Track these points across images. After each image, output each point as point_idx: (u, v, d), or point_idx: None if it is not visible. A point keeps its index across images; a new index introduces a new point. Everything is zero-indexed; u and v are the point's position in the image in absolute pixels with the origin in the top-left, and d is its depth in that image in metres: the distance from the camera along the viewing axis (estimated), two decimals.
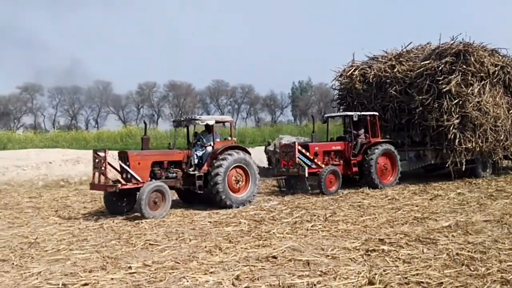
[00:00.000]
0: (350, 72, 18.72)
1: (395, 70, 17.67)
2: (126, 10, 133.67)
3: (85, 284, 6.20)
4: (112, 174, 11.49)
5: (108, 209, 11.85)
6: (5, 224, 10.83)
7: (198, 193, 12.19)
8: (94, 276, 6.55)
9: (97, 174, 11.41)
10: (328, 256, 7.25)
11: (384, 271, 6.28)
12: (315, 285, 5.87)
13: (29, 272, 6.84)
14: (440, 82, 16.13)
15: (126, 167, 11.46)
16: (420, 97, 16.34)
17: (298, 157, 14.48)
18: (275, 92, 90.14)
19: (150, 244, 8.46)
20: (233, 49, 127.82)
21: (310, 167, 14.61)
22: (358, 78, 18.40)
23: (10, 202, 14.10)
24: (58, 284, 6.21)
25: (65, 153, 23.59)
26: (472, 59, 16.52)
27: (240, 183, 12.57)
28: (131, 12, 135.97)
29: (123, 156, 11.73)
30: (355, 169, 15.57)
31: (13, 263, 7.34)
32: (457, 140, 16.15)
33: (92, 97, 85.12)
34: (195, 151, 12.65)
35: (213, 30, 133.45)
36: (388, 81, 17.66)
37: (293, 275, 6.32)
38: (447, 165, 16.42)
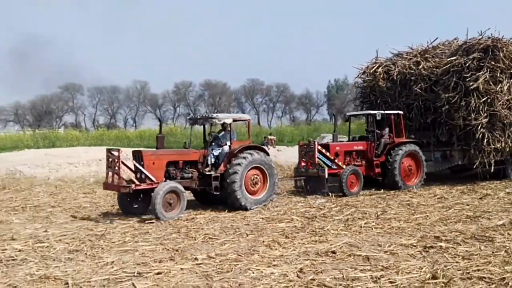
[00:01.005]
0: (373, 69, 18.14)
1: (420, 66, 17.00)
2: (161, 10, 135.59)
3: (158, 273, 6.59)
4: (127, 174, 11.24)
5: (122, 210, 11.57)
6: (68, 217, 11.41)
7: (214, 194, 11.83)
8: (164, 266, 6.95)
9: (110, 173, 11.17)
10: (386, 252, 7.45)
11: (445, 266, 6.45)
12: (379, 278, 6.09)
13: (103, 261, 7.29)
14: (467, 79, 15.45)
15: (140, 167, 11.16)
16: (447, 95, 15.70)
17: (318, 157, 14.00)
18: (311, 90, 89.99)
19: (209, 237, 8.83)
20: (269, 47, 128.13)
21: (330, 167, 14.13)
22: (381, 75, 17.79)
23: (67, 197, 14.75)
24: (134, 273, 6.62)
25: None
26: (501, 54, 15.79)
27: (258, 184, 12.18)
28: (166, 12, 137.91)
29: (138, 156, 11.40)
30: (378, 170, 15.03)
31: (86, 253, 7.82)
32: (485, 140, 15.49)
33: (130, 96, 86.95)
34: (212, 150, 12.28)
35: (248, 29, 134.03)
36: (413, 78, 17.02)
37: (355, 269, 6.56)
38: (474, 166, 15.82)
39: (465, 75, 15.55)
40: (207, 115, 12.60)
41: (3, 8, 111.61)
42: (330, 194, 13.69)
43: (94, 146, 29.13)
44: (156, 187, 10.78)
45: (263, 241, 8.37)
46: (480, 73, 15.47)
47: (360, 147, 15.25)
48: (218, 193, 11.77)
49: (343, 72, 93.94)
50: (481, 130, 15.44)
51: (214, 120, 12.19)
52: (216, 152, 12.30)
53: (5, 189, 16.82)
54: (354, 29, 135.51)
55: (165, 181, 11.22)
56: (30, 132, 46.59)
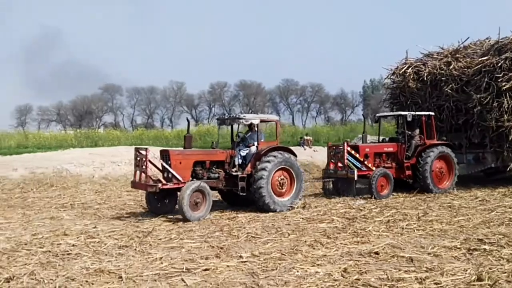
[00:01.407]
0: (403, 70, 17.96)
1: (451, 67, 16.68)
2: (197, 11, 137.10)
3: (206, 269, 6.85)
4: (154, 173, 11.47)
5: (149, 209, 11.64)
6: (114, 215, 11.84)
7: (241, 195, 11.77)
8: (211, 262, 7.21)
9: (138, 172, 11.28)
10: (429, 253, 7.51)
11: (490, 269, 6.48)
12: (423, 280, 6.16)
13: (152, 257, 7.60)
14: (499, 80, 15.12)
15: (167, 166, 11.18)
16: (478, 96, 15.42)
17: (347, 159, 13.82)
18: (346, 90, 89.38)
19: (252, 236, 9.05)
20: (303, 47, 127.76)
21: (360, 169, 13.93)
22: (411, 76, 17.59)
23: (111, 195, 15.26)
24: (182, 269, 6.90)
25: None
26: None
27: (285, 186, 12.08)
28: (202, 13, 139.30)
29: (165, 155, 11.46)
30: (408, 172, 14.76)
31: (135, 249, 8.16)
32: None
33: (167, 96, 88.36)
34: (239, 151, 12.25)
35: (282, 29, 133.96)
36: (443, 79, 16.73)
37: (399, 270, 6.65)
38: (508, 169, 15.55)
39: (497, 75, 15.26)
40: (235, 116, 12.56)
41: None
42: (357, 195, 13.69)
43: (135, 145, 29.81)
44: (182, 186, 10.84)
45: (305, 241, 8.52)
46: None
47: (390, 149, 15.04)
48: (244, 194, 11.73)
49: (379, 72, 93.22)
50: None
51: (241, 120, 12.17)
52: (243, 152, 12.29)
53: (53, 187, 17.47)
54: (389, 28, 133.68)
55: (191, 180, 11.24)
56: (72, 131, 48.15)
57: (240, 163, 12.06)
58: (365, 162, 14.20)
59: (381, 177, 13.75)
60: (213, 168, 11.87)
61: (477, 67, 15.87)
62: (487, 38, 18.14)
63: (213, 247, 8.26)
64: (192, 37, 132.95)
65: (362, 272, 6.57)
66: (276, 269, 6.86)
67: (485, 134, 15.88)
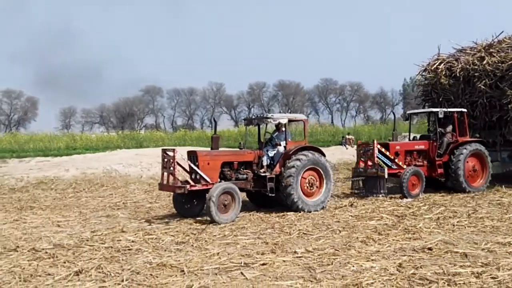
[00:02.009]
0: (435, 66, 17.47)
1: (485, 62, 16.16)
2: (233, 12, 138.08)
3: (263, 264, 7.09)
4: (182, 175, 11.38)
5: (177, 211, 11.51)
6: (166, 213, 12.24)
7: (270, 196, 11.60)
8: (267, 257, 7.44)
9: (165, 174, 11.08)
10: (483, 249, 7.54)
11: None
12: (480, 274, 6.23)
13: (209, 252, 7.90)
14: None
15: (195, 168, 11.02)
16: None
17: (377, 157, 13.56)
18: (385, 89, 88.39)
19: (303, 233, 9.24)
20: (342, 46, 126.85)
21: (390, 167, 13.66)
22: (443, 72, 17.09)
23: (161, 194, 15.71)
24: (240, 263, 7.16)
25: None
26: None
27: (314, 186, 11.90)
28: (238, 13, 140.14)
29: (192, 156, 11.30)
30: (440, 170, 14.38)
31: (192, 245, 8.48)
32: None
33: (207, 98, 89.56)
34: (267, 151, 12.08)
35: (321, 28, 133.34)
36: (476, 74, 16.23)
37: (454, 265, 6.73)
38: None
39: None
40: (262, 115, 12.40)
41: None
42: (386, 194, 13.50)
43: (178, 146, 30.47)
44: (211, 188, 10.66)
45: (357, 237, 8.66)
46: None
47: (422, 147, 14.69)
48: (273, 194, 11.53)
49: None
50: None
51: (269, 120, 11.99)
52: (271, 153, 12.11)
53: (103, 187, 18.15)
54: (426, 25, 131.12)
55: (219, 182, 11.10)
56: (114, 133, 49.52)
57: (268, 163, 11.89)
58: (396, 160, 13.92)
59: (412, 175, 13.47)
60: (241, 169, 11.76)
61: (511, 61, 15.48)
62: None
63: (267, 243, 8.49)
64: (230, 38, 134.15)
65: (418, 267, 6.67)
66: (332, 264, 7.04)
67: None
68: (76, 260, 7.57)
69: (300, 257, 7.49)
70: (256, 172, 11.77)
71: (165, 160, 11.05)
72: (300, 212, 11.38)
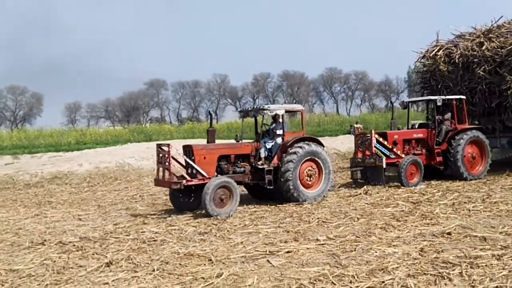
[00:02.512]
0: (433, 53, 17.26)
1: (484, 47, 15.91)
2: (235, 3, 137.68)
3: (288, 252, 7.28)
4: (177, 170, 11.13)
5: (174, 206, 11.34)
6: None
7: (268, 188, 11.46)
8: (291, 245, 7.63)
9: (161, 169, 10.88)
10: (501, 233, 7.72)
11: None
12: (501, 256, 6.40)
13: (233, 241, 8.09)
14: None
15: (191, 162, 10.79)
16: None
17: (375, 146, 13.46)
18: (390, 77, 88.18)
19: (322, 221, 9.42)
20: (346, 34, 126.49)
21: (389, 157, 13.54)
22: (442, 59, 16.86)
23: None
24: (265, 251, 7.35)
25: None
26: None
27: (313, 177, 11.78)
28: (241, 5, 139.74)
29: (188, 150, 11.08)
30: (439, 158, 14.25)
31: (215, 235, 8.68)
32: None
33: (211, 90, 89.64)
34: (264, 143, 11.89)
35: (324, 18, 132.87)
36: (476, 60, 15.98)
37: (474, 248, 6.90)
38: None
39: None
40: (258, 107, 12.18)
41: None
42: (385, 183, 13.38)
43: (187, 139, 30.68)
44: (207, 182, 10.47)
45: (376, 224, 8.83)
46: None
47: (420, 135, 14.55)
48: (272, 187, 11.41)
49: None
50: None
51: (265, 111, 11.71)
52: (269, 145, 11.93)
53: (117, 180, 18.42)
54: (429, 12, 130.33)
55: (216, 176, 10.90)
56: (121, 127, 49.77)
57: (266, 155, 11.73)
58: (394, 150, 13.80)
59: (410, 164, 13.35)
60: (239, 162, 11.56)
61: (511, 47, 15.25)
62: None
63: (288, 231, 8.68)
64: (233, 29, 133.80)
65: (439, 251, 6.85)
66: (355, 250, 7.22)
67: None
68: (104, 252, 7.78)
69: (322, 244, 7.68)
70: (253, 164, 11.59)
71: (160, 155, 10.87)
72: (300, 203, 11.33)
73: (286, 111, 12.33)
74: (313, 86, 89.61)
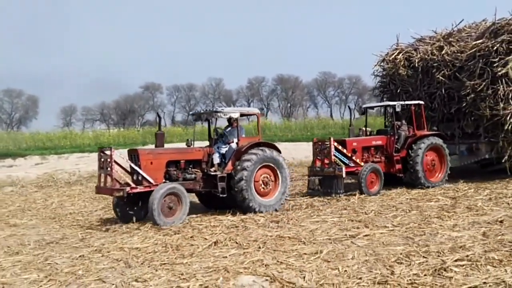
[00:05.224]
0: (393, 56, 16.87)
1: (444, 52, 15.62)
2: (230, 7, 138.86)
3: (367, 235, 8.34)
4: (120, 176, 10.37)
5: (118, 216, 10.38)
6: None
7: (221, 196, 10.81)
8: (364, 231, 8.66)
9: (102, 175, 10.05)
10: None
11: None
12: None
13: (308, 228, 9.08)
14: (495, 65, 14.10)
15: (137, 168, 10.04)
16: (472, 83, 14.41)
17: (334, 155, 12.98)
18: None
19: (378, 212, 10.47)
20: (340, 39, 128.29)
21: (348, 165, 13.16)
22: (402, 63, 16.55)
23: None
24: (346, 235, 8.38)
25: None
26: None
27: (269, 185, 11.25)
28: (236, 9, 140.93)
29: (133, 155, 10.28)
30: (398, 166, 13.98)
31: (287, 222, 9.71)
32: None
33: (206, 93, 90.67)
34: (217, 148, 11.39)
35: (318, 21, 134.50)
36: (435, 65, 15.68)
37: None
38: (503, 160, 14.55)
39: (492, 60, 14.23)
40: (212, 109, 11.57)
41: None
42: (343, 193, 12.90)
43: (199, 140, 31.50)
44: (154, 189, 9.86)
45: (429, 215, 9.89)
46: (510, 57, 14.15)
47: (379, 142, 14.23)
48: (225, 195, 10.76)
49: None
50: (511, 120, 14.13)
51: (219, 114, 11.20)
52: (223, 150, 11.41)
53: None
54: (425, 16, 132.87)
55: (164, 182, 10.29)
56: (116, 130, 50.31)
57: (219, 161, 11.20)
58: (353, 158, 13.42)
59: (370, 173, 13.08)
60: (189, 168, 10.89)
61: (471, 51, 14.86)
62: (483, 20, 16.98)
63: (352, 220, 9.73)
64: (228, 33, 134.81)
65: (500, 235, 7.91)
66: (424, 234, 8.26)
67: (479, 123, 14.98)
68: (203, 235, 8.74)
69: (392, 230, 8.73)
70: (206, 171, 10.96)
71: (102, 160, 10.03)
72: (253, 212, 10.79)
73: (242, 115, 11.91)
74: (307, 90, 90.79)
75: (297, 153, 23.66)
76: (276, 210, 11.11)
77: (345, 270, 6.34)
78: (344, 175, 12.80)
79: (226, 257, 7.25)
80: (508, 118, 14.12)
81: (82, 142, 31.41)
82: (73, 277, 6.49)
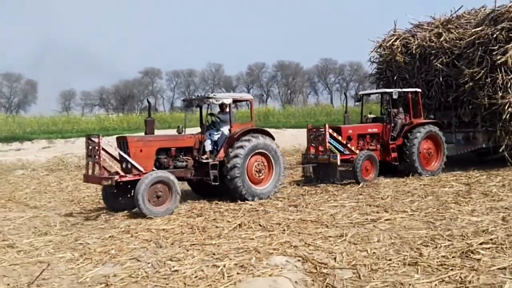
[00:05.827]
0: (390, 42, 16.63)
1: (442, 38, 15.36)
2: None
3: (388, 219, 8.48)
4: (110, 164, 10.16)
5: (107, 205, 10.07)
6: None
7: (213, 184, 10.51)
8: (385, 215, 8.80)
9: (90, 163, 9.73)
10: None
11: None
12: None
13: (328, 212, 9.24)
14: (494, 53, 13.89)
15: (126, 156, 9.74)
16: (470, 71, 14.19)
17: (329, 142, 12.80)
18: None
19: (395, 198, 10.56)
20: (341, 25, 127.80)
21: (343, 153, 12.97)
22: (399, 49, 16.33)
23: None
24: (367, 219, 8.53)
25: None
26: None
27: (262, 172, 11.02)
28: None
29: (122, 142, 9.96)
30: (394, 154, 13.85)
31: (304, 206, 9.86)
32: None
33: (206, 79, 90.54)
34: (209, 135, 11.09)
35: (319, 7, 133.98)
36: (433, 52, 15.44)
37: None
38: (501, 150, 14.41)
39: (492, 47, 14.01)
40: (204, 95, 11.25)
41: None
42: (339, 181, 12.79)
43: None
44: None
45: (446, 200, 10.02)
46: (509, 45, 13.97)
47: (375, 130, 14.04)
48: (217, 183, 10.49)
49: None
50: (509, 109, 13.93)
51: (211, 100, 10.90)
52: (215, 137, 11.10)
53: None
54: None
55: (154, 170, 9.92)
56: (115, 115, 50.27)
57: (211, 149, 10.92)
58: (348, 145, 13.24)
59: (365, 160, 12.87)
60: (180, 155, 10.62)
61: (470, 38, 14.64)
62: (482, 7, 16.58)
63: (370, 205, 9.86)
64: (229, 19, 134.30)
65: None
66: (444, 219, 8.39)
67: (477, 112, 14.78)
68: (225, 218, 8.91)
69: (411, 214, 8.85)
70: (197, 158, 10.72)
71: (90, 147, 9.69)
72: (246, 201, 10.57)
73: (234, 100, 11.61)
74: (308, 77, 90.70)
75: (304, 139, 23.69)
76: (269, 197, 10.93)
77: (374, 252, 6.49)
78: (339, 163, 12.63)
79: (253, 239, 7.38)
80: (506, 107, 13.95)
81: (87, 127, 31.34)
82: (107, 256, 6.64)
